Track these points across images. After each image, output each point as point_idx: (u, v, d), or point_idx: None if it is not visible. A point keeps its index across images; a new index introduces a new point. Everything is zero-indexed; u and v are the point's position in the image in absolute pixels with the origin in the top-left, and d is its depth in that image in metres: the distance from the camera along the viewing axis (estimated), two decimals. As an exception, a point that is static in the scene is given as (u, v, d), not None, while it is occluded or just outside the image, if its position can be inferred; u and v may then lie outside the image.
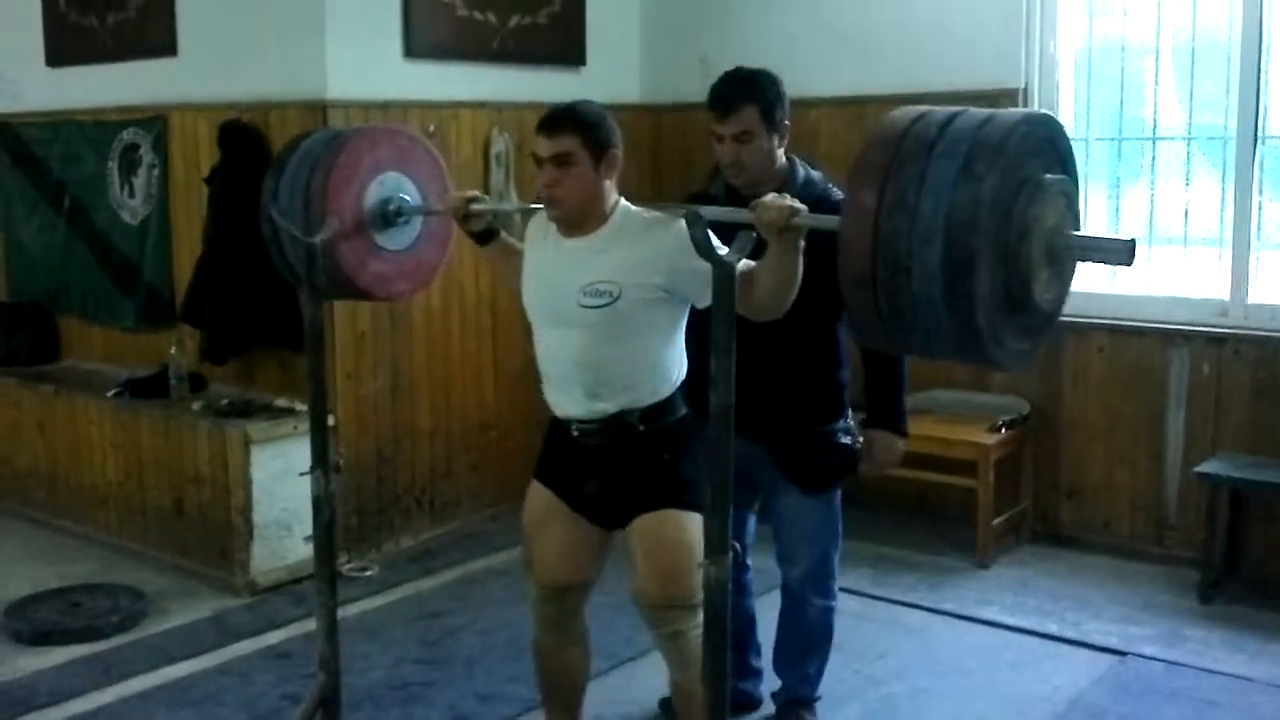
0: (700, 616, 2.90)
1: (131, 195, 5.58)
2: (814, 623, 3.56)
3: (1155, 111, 5.16)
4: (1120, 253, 2.11)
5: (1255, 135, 4.80)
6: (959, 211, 1.98)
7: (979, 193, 1.98)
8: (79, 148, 5.80)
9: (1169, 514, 5.01)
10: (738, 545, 2.48)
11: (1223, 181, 4.95)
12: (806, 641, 3.59)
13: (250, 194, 4.78)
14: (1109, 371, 5.11)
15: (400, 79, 5.12)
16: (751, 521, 3.61)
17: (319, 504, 3.12)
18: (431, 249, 3.32)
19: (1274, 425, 4.76)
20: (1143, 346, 5.03)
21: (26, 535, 5.54)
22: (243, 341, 5.12)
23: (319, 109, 4.84)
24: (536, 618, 3.18)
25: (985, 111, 2.14)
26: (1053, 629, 4.36)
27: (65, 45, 5.85)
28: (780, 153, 3.28)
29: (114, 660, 4.19)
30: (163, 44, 5.37)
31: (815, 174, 3.34)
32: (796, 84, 5.63)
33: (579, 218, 2.93)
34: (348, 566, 4.90)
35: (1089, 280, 5.30)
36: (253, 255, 4.92)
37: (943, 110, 2.15)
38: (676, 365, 3.01)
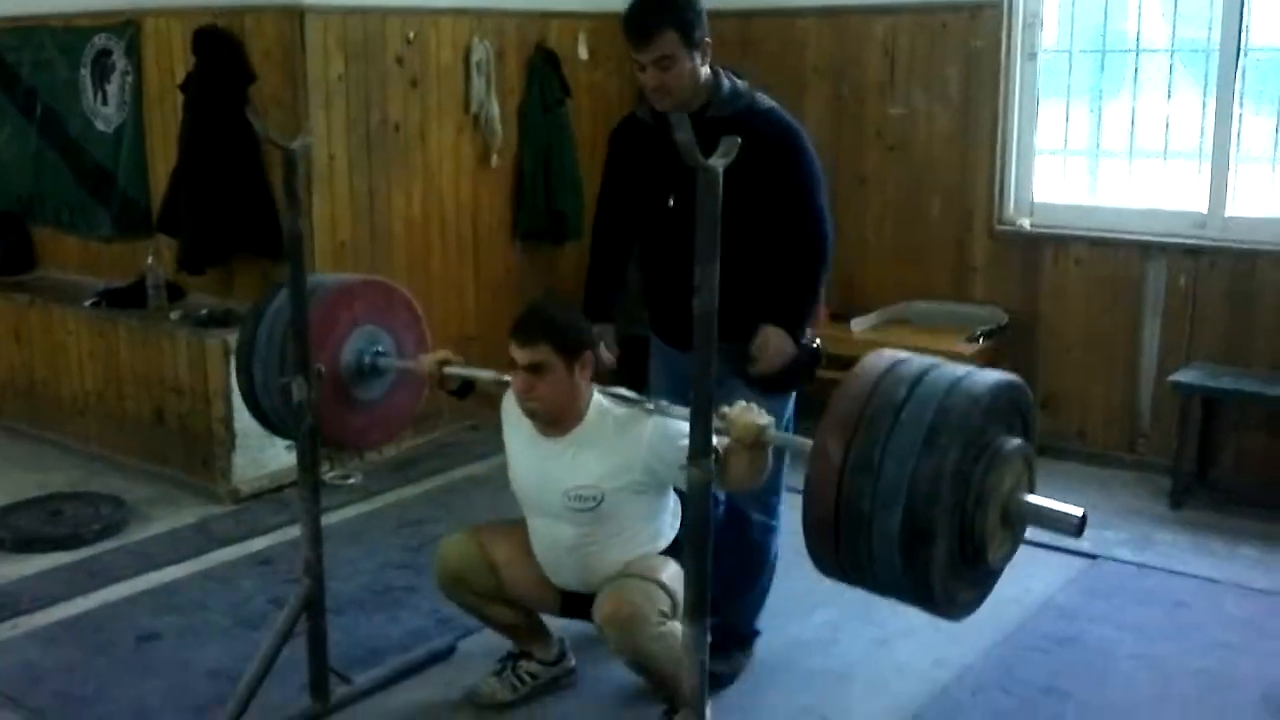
0: (666, 622, 2.90)
1: (105, 103, 5.50)
2: (754, 542, 3.47)
3: (1139, 24, 5.14)
4: (1072, 527, 2.17)
5: (1238, 48, 4.80)
6: (921, 482, 2.03)
7: (941, 465, 2.03)
8: (50, 54, 5.68)
9: (1142, 422, 5.08)
10: (719, 450, 2.49)
11: (1204, 95, 4.94)
12: (745, 565, 3.49)
13: (226, 102, 4.79)
14: (1087, 282, 5.15)
15: (378, -17, 5.05)
16: None
17: (301, 410, 3.12)
18: (405, 395, 3.37)
19: (1247, 336, 4.82)
20: (1120, 258, 5.07)
21: (4, 445, 5.54)
22: (220, 251, 5.08)
23: (295, 14, 4.76)
24: (437, 584, 3.24)
25: (955, 371, 2.16)
26: (1027, 533, 4.42)
27: (34, -51, 5.73)
28: (705, 69, 3.17)
29: (97, 567, 4.22)
30: (134, -54, 5.26)
31: (741, 84, 3.25)
32: (782, -7, 5.65)
33: (555, 418, 2.98)
34: (330, 475, 4.92)
35: (1069, 192, 5.34)
36: (229, 164, 4.91)
37: (915, 362, 2.19)
38: (666, 532, 3.08)
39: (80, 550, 4.34)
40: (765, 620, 3.60)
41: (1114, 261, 5.08)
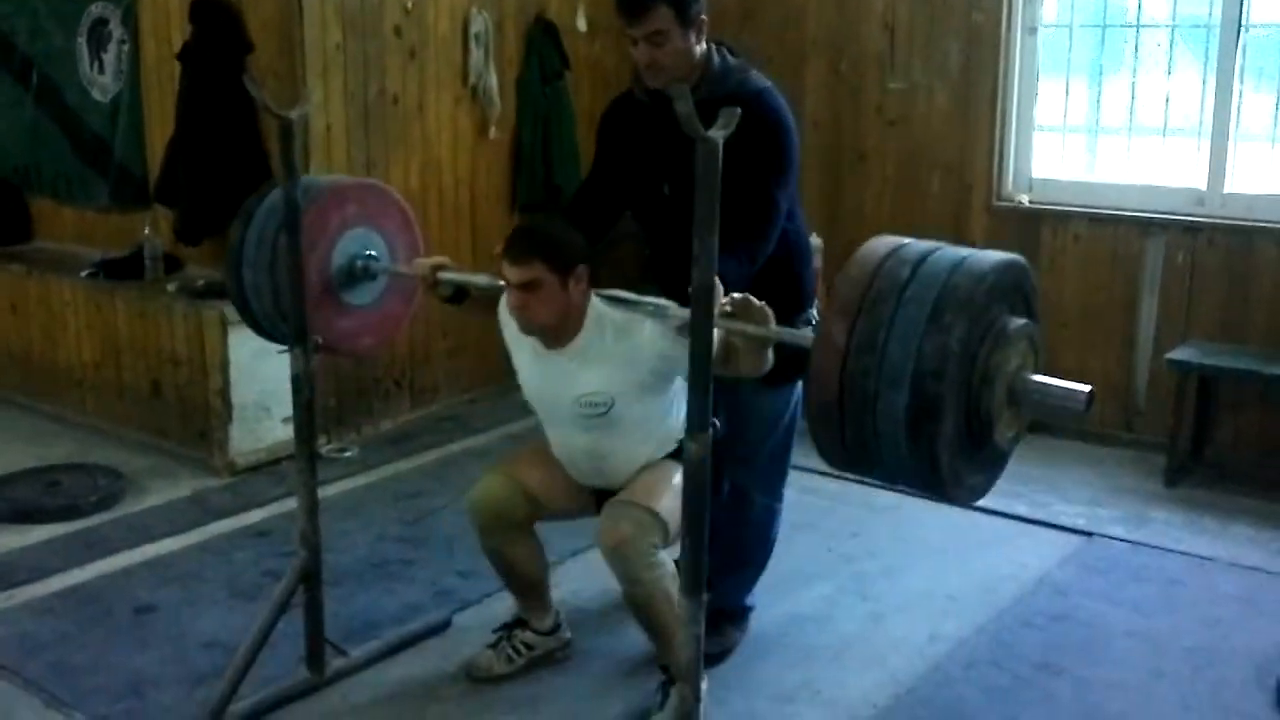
0: (659, 552, 2.94)
1: (102, 71, 5.47)
2: (755, 522, 3.48)
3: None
4: (1078, 403, 2.17)
5: (1238, 24, 4.78)
6: (927, 360, 2.02)
7: (947, 343, 2.02)
8: (46, 22, 5.65)
9: (1138, 400, 5.09)
10: (717, 422, 2.49)
11: (1204, 71, 4.93)
12: (744, 543, 3.49)
13: (223, 71, 4.76)
14: (1084, 259, 5.14)
15: (376, -46, 5.02)
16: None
17: (298, 382, 3.12)
18: (397, 302, 3.33)
19: (1245, 314, 4.82)
20: (1119, 235, 5.06)
21: (2, 417, 5.54)
22: (218, 222, 5.04)
23: (293, -15, 4.73)
24: (472, 519, 3.22)
25: (958, 253, 2.15)
26: (1022, 510, 4.45)
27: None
28: (699, 47, 3.12)
29: (94, 538, 4.23)
30: (130, -87, 5.23)
31: (734, 61, 3.20)
32: (780, -36, 5.61)
33: (553, 332, 2.97)
34: (327, 448, 4.93)
35: (1067, 168, 5.33)
36: (227, 134, 4.89)
37: (917, 246, 2.17)
38: (679, 421, 3.03)
39: (77, 521, 4.34)
40: (760, 595, 3.61)
41: (1112, 238, 5.08)
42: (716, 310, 2.42)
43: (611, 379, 2.96)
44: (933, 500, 2.37)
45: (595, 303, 2.99)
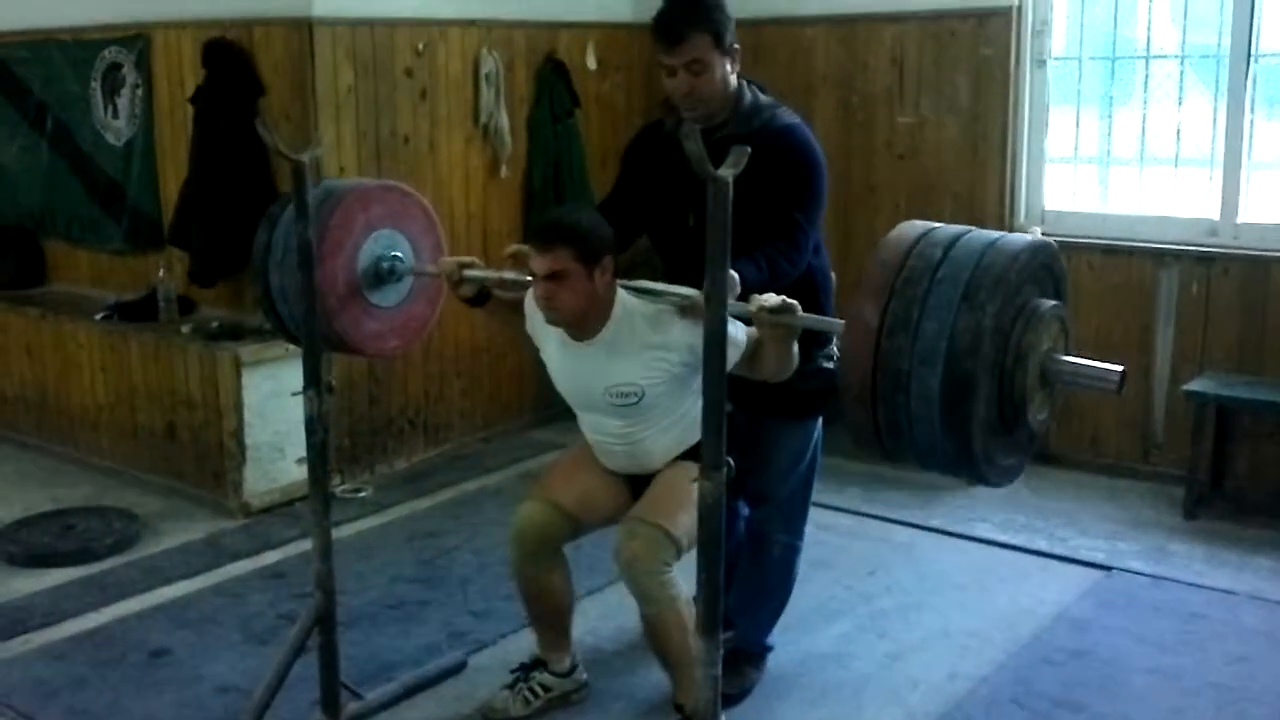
0: (671, 567, 2.96)
1: (115, 116, 5.51)
2: (776, 561, 3.45)
3: (1148, 31, 5.13)
4: (1111, 383, 2.18)
5: (1248, 54, 4.77)
6: (960, 337, 2.03)
7: (981, 320, 2.03)
8: (60, 68, 5.70)
9: (1156, 432, 5.06)
10: (731, 461, 2.47)
11: (1215, 101, 4.93)
12: (765, 583, 3.48)
13: (236, 114, 4.79)
14: (1099, 290, 5.12)
15: (387, -4, 5.06)
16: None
17: (312, 424, 3.11)
18: (423, 304, 3.33)
19: (1261, 344, 4.79)
20: (1133, 265, 5.04)
21: (17, 459, 5.55)
22: (231, 263, 5.09)
23: (305, 27, 4.76)
24: (515, 547, 3.19)
25: (989, 235, 2.17)
26: (1041, 545, 4.42)
27: (43, -38, 5.75)
28: (733, 78, 3.12)
29: (109, 581, 4.22)
30: (143, -41, 5.27)
31: (765, 98, 3.21)
32: (790, 3, 5.63)
33: (580, 323, 2.97)
34: (341, 488, 4.92)
35: (1080, 200, 5.32)
36: (240, 177, 4.91)
37: (948, 229, 2.20)
38: None
39: (92, 565, 4.33)
40: (777, 633, 3.58)
41: (1126, 269, 5.06)
42: (754, 307, 2.50)
43: (641, 371, 2.95)
44: (967, 482, 2.36)
45: (622, 294, 2.97)
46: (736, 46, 3.11)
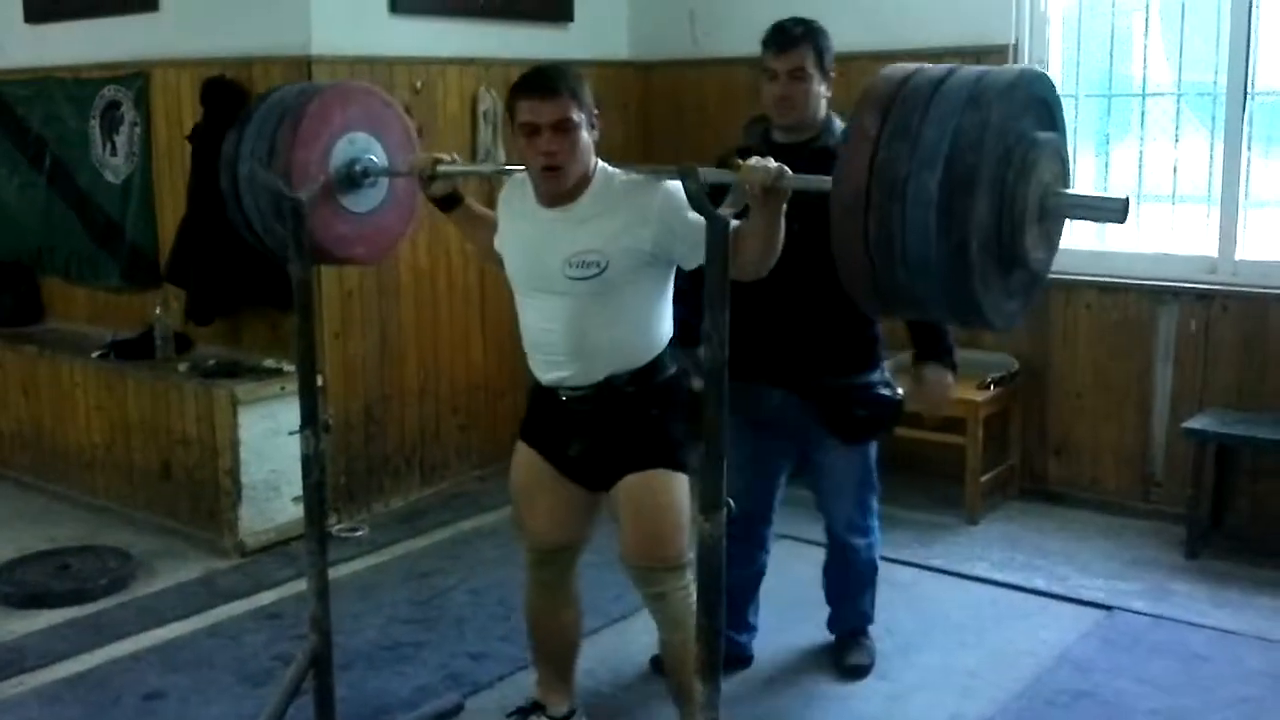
0: (688, 576, 2.93)
1: (114, 154, 5.52)
2: (860, 561, 3.73)
3: (1145, 68, 5.14)
4: (1114, 211, 2.11)
5: (1244, 91, 4.79)
6: (964, 134, 1.98)
7: (986, 118, 1.98)
8: (60, 106, 5.71)
9: (1155, 470, 5.03)
10: (731, 502, 2.45)
11: (1211, 138, 4.94)
12: (855, 580, 3.78)
13: (234, 152, 4.78)
14: (1097, 328, 5.12)
15: (386, 34, 5.06)
16: (783, 477, 3.64)
17: (308, 463, 3.10)
18: (394, 217, 3.26)
19: (1260, 381, 4.78)
20: (1131, 303, 5.04)
21: (12, 498, 5.51)
22: (228, 302, 5.08)
23: (303, 64, 4.78)
24: (529, 581, 3.17)
25: (983, 68, 2.14)
26: (1040, 584, 4.38)
27: (45, 1, 5.76)
28: (824, 102, 3.37)
29: (103, 622, 4.18)
30: (143, -1, 5.29)
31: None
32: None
33: (571, 183, 2.85)
34: (337, 527, 4.89)
35: (1077, 238, 5.32)
36: (238, 214, 4.91)
37: (940, 66, 2.15)
38: (664, 326, 2.99)
39: (86, 605, 4.29)
40: (776, 674, 3.59)
41: (1124, 307, 5.06)
42: (749, 185, 2.37)
43: (611, 237, 2.81)
44: (965, 324, 2.22)
45: (603, 165, 2.91)
46: (832, 74, 3.38)
